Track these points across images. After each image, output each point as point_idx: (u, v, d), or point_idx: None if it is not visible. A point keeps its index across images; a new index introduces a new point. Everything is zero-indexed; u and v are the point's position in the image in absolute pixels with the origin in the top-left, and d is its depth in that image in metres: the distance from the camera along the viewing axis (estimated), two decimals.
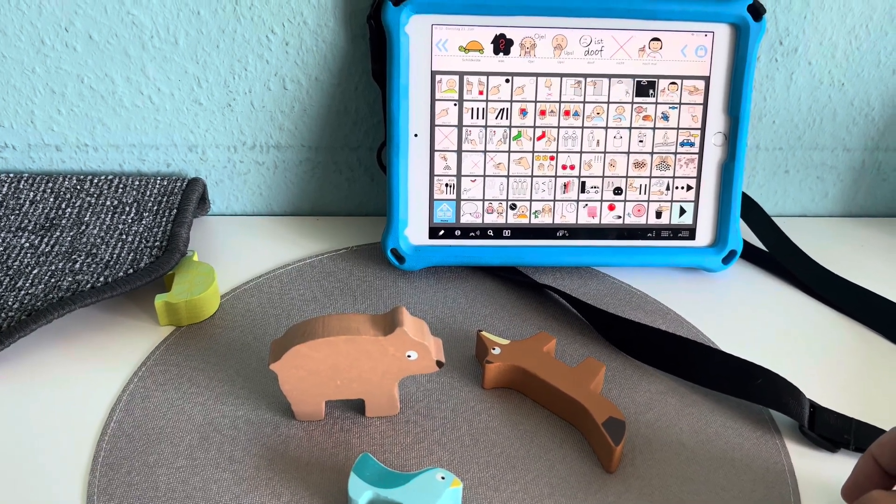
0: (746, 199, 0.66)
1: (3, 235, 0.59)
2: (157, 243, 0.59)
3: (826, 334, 0.60)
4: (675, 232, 0.63)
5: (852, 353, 0.58)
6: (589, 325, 0.58)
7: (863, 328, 0.60)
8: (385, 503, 0.42)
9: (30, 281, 0.55)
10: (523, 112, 0.60)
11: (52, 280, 0.55)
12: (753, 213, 0.66)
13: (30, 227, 0.60)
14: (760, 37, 0.59)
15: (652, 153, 0.62)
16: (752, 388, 0.51)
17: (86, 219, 0.61)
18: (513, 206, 0.62)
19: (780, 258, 0.65)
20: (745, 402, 0.52)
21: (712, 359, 0.52)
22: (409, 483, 0.42)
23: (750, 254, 0.67)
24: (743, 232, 0.70)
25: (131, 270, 0.56)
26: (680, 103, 0.61)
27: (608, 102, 0.61)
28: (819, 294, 0.63)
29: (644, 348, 0.54)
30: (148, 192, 0.64)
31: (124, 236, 0.59)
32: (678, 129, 0.62)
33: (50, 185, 0.64)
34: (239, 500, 0.44)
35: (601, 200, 0.62)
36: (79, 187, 0.64)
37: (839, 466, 0.48)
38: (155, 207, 0.62)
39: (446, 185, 0.61)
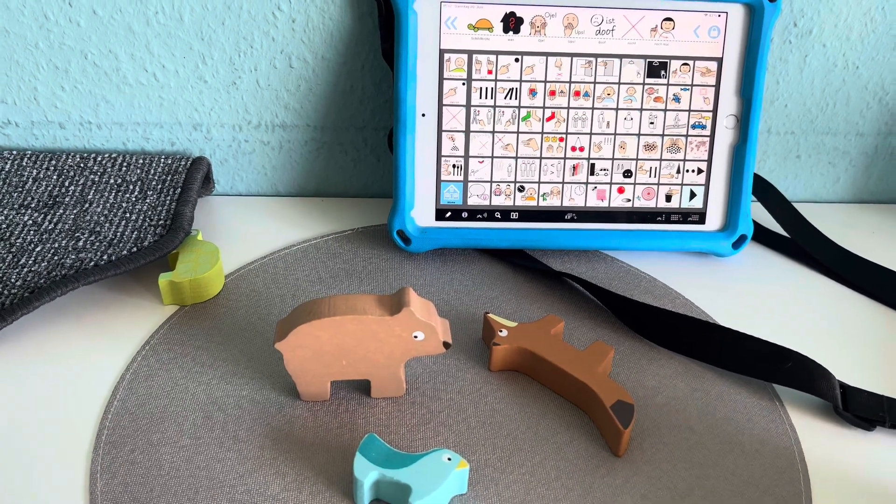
0: (762, 181, 0.66)
1: (5, 213, 0.58)
2: (161, 222, 0.58)
3: (843, 314, 0.59)
4: (685, 216, 0.63)
5: (872, 332, 0.57)
6: (598, 308, 0.57)
7: (882, 307, 0.60)
8: (391, 484, 0.41)
9: (33, 258, 0.54)
10: (532, 92, 0.59)
11: (56, 258, 0.54)
12: (770, 195, 0.65)
13: (33, 205, 0.59)
14: (775, 18, 0.58)
15: (663, 135, 0.61)
16: (783, 372, 0.50)
17: (89, 197, 0.60)
18: (521, 188, 0.61)
19: (799, 240, 0.64)
20: (754, 386, 0.52)
21: (742, 343, 0.52)
22: (416, 464, 0.42)
23: (760, 236, 0.66)
24: (758, 214, 0.69)
25: (135, 249, 0.55)
26: (692, 85, 0.60)
27: (619, 83, 0.60)
28: (839, 275, 0.62)
29: (669, 333, 0.53)
30: (152, 171, 0.63)
31: (128, 214, 0.59)
32: (689, 111, 0.61)
33: (53, 162, 0.63)
34: (243, 480, 0.44)
35: (610, 183, 0.62)
36: (82, 165, 0.63)
37: (849, 451, 0.48)
38: (159, 186, 0.62)
39: (454, 165, 0.60)
